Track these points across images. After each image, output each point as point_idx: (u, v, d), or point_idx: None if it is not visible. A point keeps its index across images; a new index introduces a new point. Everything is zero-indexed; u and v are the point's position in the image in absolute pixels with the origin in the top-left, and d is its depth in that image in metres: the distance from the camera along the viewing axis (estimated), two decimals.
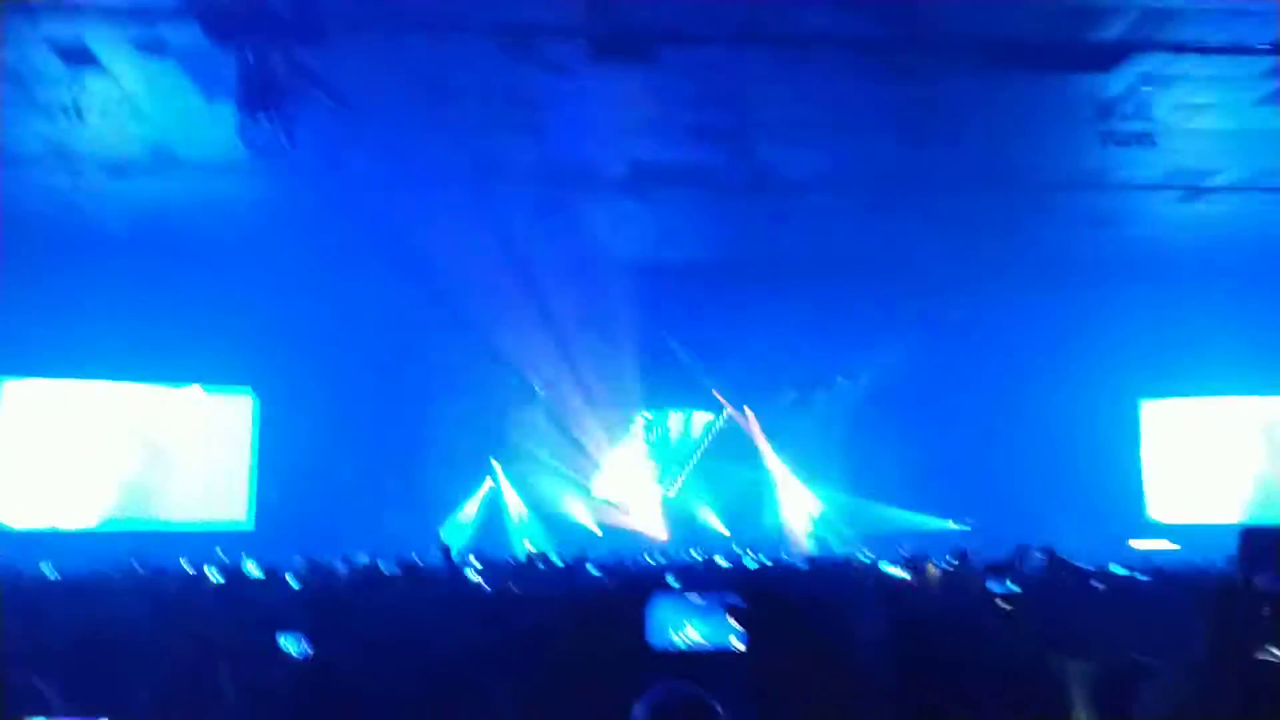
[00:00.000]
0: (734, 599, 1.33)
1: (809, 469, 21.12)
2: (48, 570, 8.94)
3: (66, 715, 2.58)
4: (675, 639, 1.37)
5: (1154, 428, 19.91)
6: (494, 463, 20.76)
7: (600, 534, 20.37)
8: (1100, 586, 7.31)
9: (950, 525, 18.81)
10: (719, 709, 2.16)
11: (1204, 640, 1.90)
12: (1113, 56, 10.66)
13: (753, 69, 10.95)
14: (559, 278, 17.82)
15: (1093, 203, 14.96)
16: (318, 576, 8.75)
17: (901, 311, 18.61)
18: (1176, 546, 13.86)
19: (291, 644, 3.93)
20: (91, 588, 7.21)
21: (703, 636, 1.38)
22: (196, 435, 18.76)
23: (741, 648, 1.32)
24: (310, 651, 3.70)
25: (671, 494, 21.58)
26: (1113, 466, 18.88)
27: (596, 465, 21.60)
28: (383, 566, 8.58)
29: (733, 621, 1.33)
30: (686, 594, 1.38)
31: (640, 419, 21.92)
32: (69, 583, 7.52)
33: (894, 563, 9.70)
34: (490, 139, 12.44)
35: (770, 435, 21.59)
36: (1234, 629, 1.89)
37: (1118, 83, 11.24)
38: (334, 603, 6.11)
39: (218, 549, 12.37)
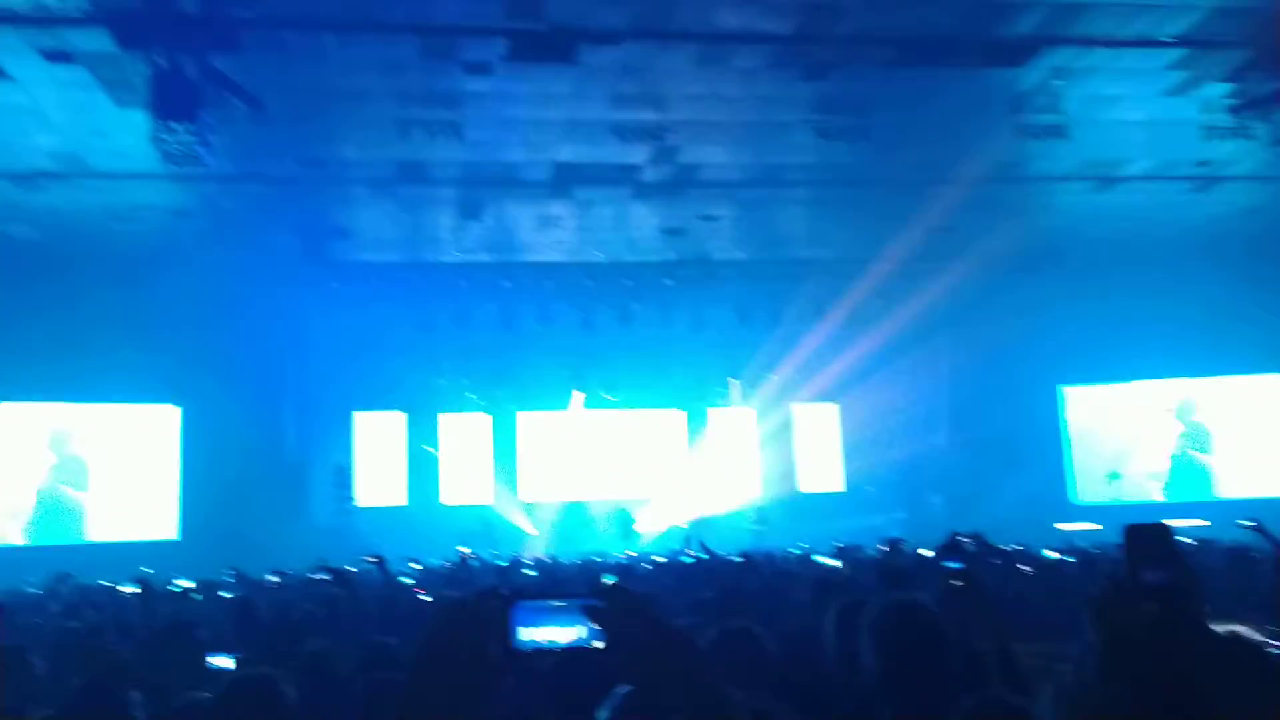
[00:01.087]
0: (591, 601, 1.39)
1: (739, 466, 21.33)
2: None
3: None
4: (537, 639, 1.41)
5: (1075, 413, 20.48)
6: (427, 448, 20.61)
7: (537, 533, 20.34)
8: (1028, 570, 7.52)
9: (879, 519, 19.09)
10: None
11: (1094, 632, 1.98)
12: (1024, 51, 10.96)
13: (670, 68, 11.03)
14: (485, 280, 17.78)
15: (1010, 195, 15.32)
16: (250, 590, 8.59)
17: (828, 306, 18.87)
18: (1099, 527, 14.26)
19: (225, 661, 3.87)
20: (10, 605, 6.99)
21: (564, 636, 1.43)
22: (124, 451, 18.30)
23: (599, 645, 1.37)
24: (239, 667, 3.65)
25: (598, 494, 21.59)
26: (1036, 452, 19.36)
27: (528, 467, 21.56)
28: (316, 577, 8.45)
29: (589, 623, 1.39)
30: (546, 598, 1.43)
31: (575, 420, 21.92)
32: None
33: (828, 555, 9.83)
34: (411, 142, 12.30)
35: (700, 433, 21.76)
36: (1120, 621, 1.98)
37: (1030, 77, 11.55)
38: (269, 614, 6.01)
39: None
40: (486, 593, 1.50)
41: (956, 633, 2.73)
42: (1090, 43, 10.90)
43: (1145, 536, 2.23)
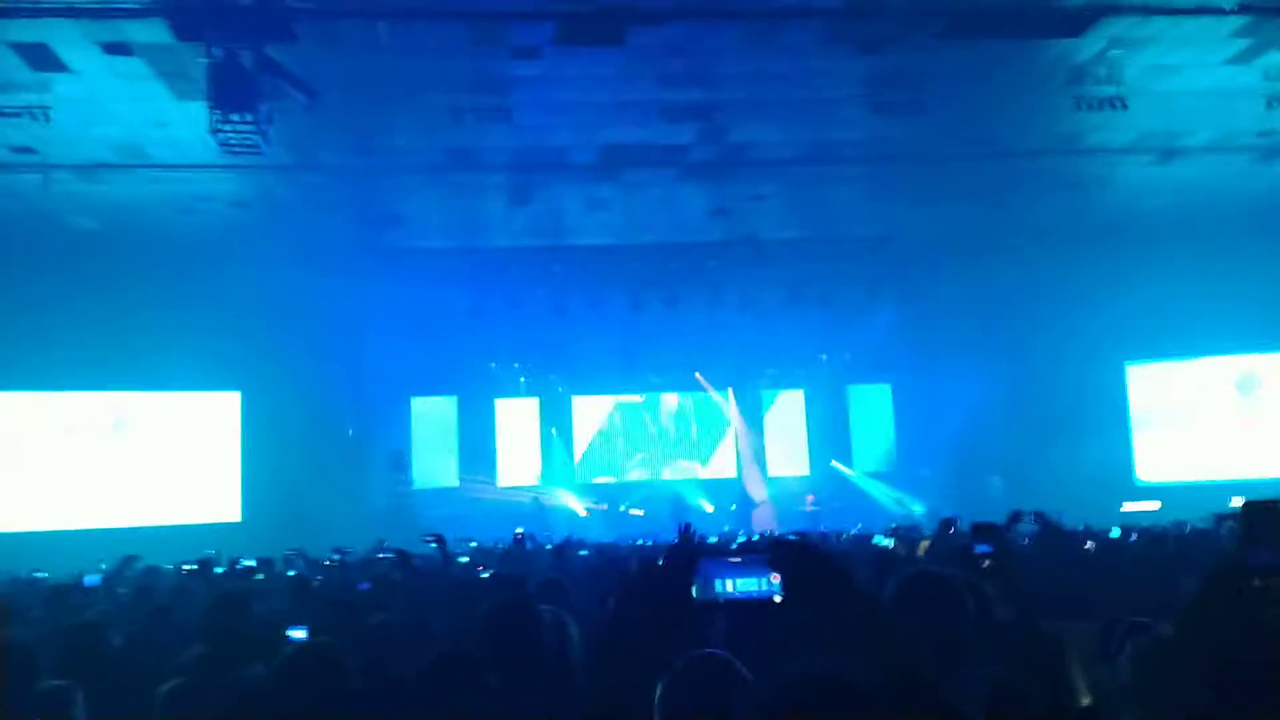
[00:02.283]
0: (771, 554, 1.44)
1: (792, 448, 21.25)
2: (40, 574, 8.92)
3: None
4: (718, 592, 1.47)
5: (1137, 390, 20.08)
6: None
7: (586, 515, 20.47)
8: (1091, 548, 7.41)
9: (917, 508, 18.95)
10: (740, 668, 2.23)
11: (1197, 606, 1.95)
12: (1083, 20, 10.69)
13: (720, 46, 10.95)
14: (535, 265, 17.85)
15: (1068, 168, 15.03)
16: (310, 569, 8.76)
17: (883, 286, 18.69)
18: (1158, 505, 14.01)
19: (298, 632, 3.97)
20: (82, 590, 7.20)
21: (743, 589, 1.47)
22: (186, 437, 18.74)
23: (779, 598, 1.41)
24: (314, 639, 3.72)
25: (652, 475, 21.67)
26: (1098, 430, 19.02)
27: (582, 451, 21.71)
28: (378, 555, 8.60)
29: (773, 576, 1.43)
30: (727, 555, 1.49)
31: (622, 403, 22.02)
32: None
33: (884, 534, 9.79)
34: (460, 127, 12.35)
35: (752, 415, 21.71)
36: (1227, 599, 1.94)
37: (1088, 47, 11.28)
38: (331, 592, 6.12)
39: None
40: (675, 548, 1.54)
41: (980, 607, 2.71)
42: (1149, 11, 10.61)
43: (1262, 515, 2.16)
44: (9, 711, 2.98)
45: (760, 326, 19.36)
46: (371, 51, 10.69)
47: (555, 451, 21.42)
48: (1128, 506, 15.27)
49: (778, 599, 1.51)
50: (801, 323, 19.40)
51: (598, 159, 13.90)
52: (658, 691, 2.28)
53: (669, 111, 12.28)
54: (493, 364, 20.64)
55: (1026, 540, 7.17)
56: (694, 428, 22.04)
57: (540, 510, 19.69)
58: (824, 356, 20.95)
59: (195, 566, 7.46)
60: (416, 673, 3.38)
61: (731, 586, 1.56)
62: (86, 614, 5.19)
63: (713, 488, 21.03)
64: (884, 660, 1.43)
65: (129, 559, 10.16)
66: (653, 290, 18.72)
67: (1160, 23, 10.82)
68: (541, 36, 10.37)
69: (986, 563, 3.35)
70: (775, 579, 1.52)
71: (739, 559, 1.56)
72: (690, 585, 1.53)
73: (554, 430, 21.44)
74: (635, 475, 21.67)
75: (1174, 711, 1.90)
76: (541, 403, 21.47)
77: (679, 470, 21.73)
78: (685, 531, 1.55)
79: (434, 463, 20.74)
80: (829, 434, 21.44)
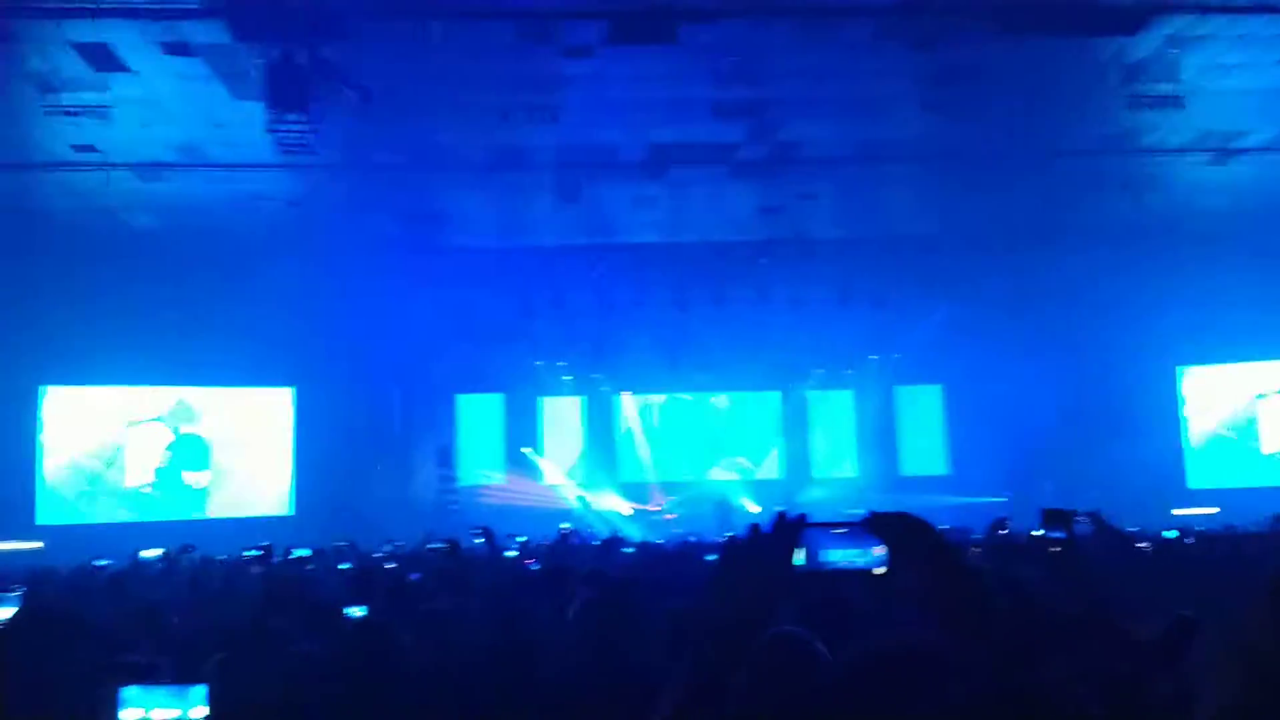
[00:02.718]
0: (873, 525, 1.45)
1: (840, 447, 21.13)
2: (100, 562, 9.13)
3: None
4: (822, 561, 1.48)
5: (1192, 393, 19.72)
6: (525, 451, 20.97)
7: (630, 514, 20.50)
8: (1146, 549, 7.29)
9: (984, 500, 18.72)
10: (820, 648, 2.23)
11: (1268, 606, 1.91)
12: (1139, 18, 10.54)
13: (771, 44, 10.92)
14: (582, 263, 17.90)
15: (1122, 167, 14.82)
16: (362, 560, 8.88)
17: (933, 286, 18.52)
18: (1216, 510, 13.74)
19: (358, 613, 4.04)
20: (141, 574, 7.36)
21: (847, 559, 1.48)
22: (241, 432, 19.10)
23: (881, 571, 1.42)
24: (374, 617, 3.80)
25: (697, 476, 21.66)
26: (1153, 436, 18.71)
27: (625, 450, 21.76)
28: (430, 547, 8.71)
29: (876, 548, 1.43)
30: (830, 526, 1.50)
31: (667, 402, 22.04)
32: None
33: None
34: (510, 125, 12.45)
35: (800, 416, 21.61)
36: None
37: (1144, 45, 11.12)
38: (384, 581, 6.21)
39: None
40: (780, 516, 1.55)
41: (1050, 600, 2.69)
42: (1207, 9, 10.45)
43: None
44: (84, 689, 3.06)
45: (808, 327, 19.25)
46: (424, 51, 10.81)
47: (599, 450, 21.47)
48: (1179, 512, 14.99)
49: (881, 570, 1.51)
50: (850, 323, 19.27)
51: (647, 157, 13.93)
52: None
53: (720, 109, 12.28)
54: (538, 362, 20.74)
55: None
56: (741, 428, 22.00)
57: (584, 508, 19.77)
58: (874, 357, 20.79)
59: (259, 553, 7.59)
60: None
61: (836, 556, 1.56)
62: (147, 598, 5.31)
63: (759, 489, 20.96)
64: (981, 636, 1.43)
65: (185, 547, 10.38)
66: (700, 289, 18.70)
67: (1218, 21, 10.64)
68: (593, 35, 10.42)
69: (1057, 549, 3.32)
70: (879, 551, 1.53)
71: (844, 529, 1.57)
72: (791, 555, 1.54)
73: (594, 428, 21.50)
74: (680, 476, 21.66)
75: (1245, 714, 1.87)
76: (587, 401, 21.53)
77: (725, 471, 21.70)
78: (781, 517, 1.56)
79: (479, 460, 20.92)
80: (877, 436, 21.27)
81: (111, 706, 2.58)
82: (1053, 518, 3.60)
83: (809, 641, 2.27)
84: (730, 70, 11.41)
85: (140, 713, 2.63)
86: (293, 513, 18.37)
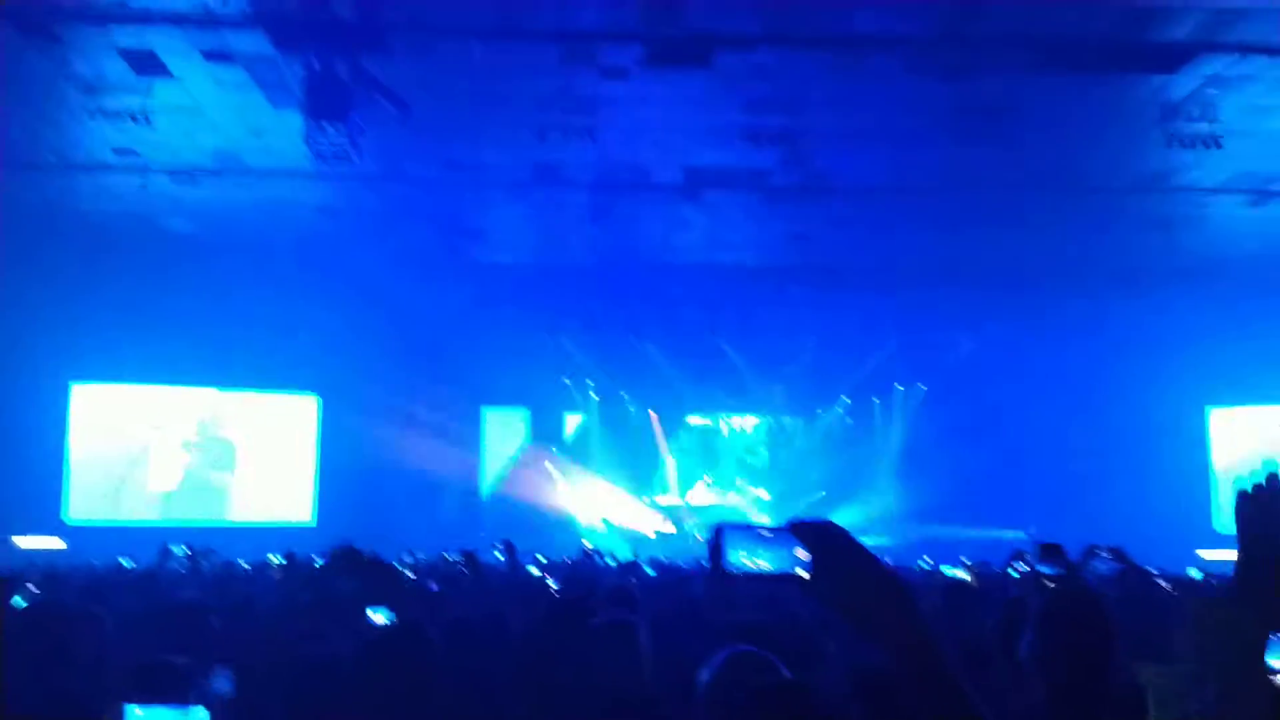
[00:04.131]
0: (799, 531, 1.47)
1: (863, 477, 21.02)
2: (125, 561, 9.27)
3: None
4: (744, 564, 1.52)
5: (1222, 435, 19.53)
6: (548, 465, 21.05)
7: (654, 537, 20.48)
8: (1170, 590, 7.24)
9: (1008, 535, 18.58)
10: (783, 668, 2.25)
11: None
12: (1179, 57, 10.53)
13: (805, 72, 11.01)
14: (613, 282, 18.02)
15: (1157, 206, 14.77)
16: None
17: (961, 318, 18.49)
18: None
19: (383, 615, 4.10)
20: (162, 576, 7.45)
21: (770, 563, 1.52)
22: (266, 437, 19.32)
23: (806, 575, 1.45)
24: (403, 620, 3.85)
25: (718, 499, 21.64)
26: (1179, 475, 18.55)
27: (649, 470, 21.78)
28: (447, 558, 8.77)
29: (800, 552, 1.46)
30: (755, 527, 1.53)
31: (694, 424, 22.07)
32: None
33: (957, 568, 9.67)
34: (546, 144, 12.59)
35: (823, 443, 21.56)
36: None
37: (1184, 84, 11.10)
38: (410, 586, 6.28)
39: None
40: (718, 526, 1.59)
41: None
42: (1248, 49, 10.41)
43: None
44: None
45: (835, 353, 19.27)
46: (463, 68, 10.97)
47: (624, 468, 21.52)
48: (1205, 554, 14.81)
49: (804, 574, 1.55)
50: (878, 350, 19.26)
51: (681, 180, 14.05)
52: (700, 689, 2.31)
53: (752, 135, 12.39)
54: (566, 379, 20.85)
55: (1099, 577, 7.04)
56: (764, 452, 21.99)
57: (607, 527, 19.82)
58: (900, 387, 20.77)
59: (283, 560, 7.68)
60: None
61: (757, 561, 1.60)
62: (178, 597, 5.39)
63: (778, 514, 20.90)
64: (910, 654, 1.45)
65: (206, 550, 10.49)
66: (729, 313, 18.79)
67: (1259, 61, 10.61)
68: (630, 57, 10.56)
69: (1051, 584, 3.34)
70: (803, 555, 1.57)
71: (769, 533, 1.61)
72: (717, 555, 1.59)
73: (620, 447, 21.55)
74: (702, 499, 21.66)
75: None
76: (611, 418, 21.59)
77: (745, 494, 21.68)
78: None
79: (502, 474, 21.06)
80: (901, 466, 21.15)
81: None
82: (1047, 552, 3.61)
83: (770, 660, 2.29)
84: (763, 97, 11.52)
85: None
86: (314, 521, 18.51)
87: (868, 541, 1.53)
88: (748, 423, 22.15)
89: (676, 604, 5.80)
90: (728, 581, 1.55)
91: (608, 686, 3.12)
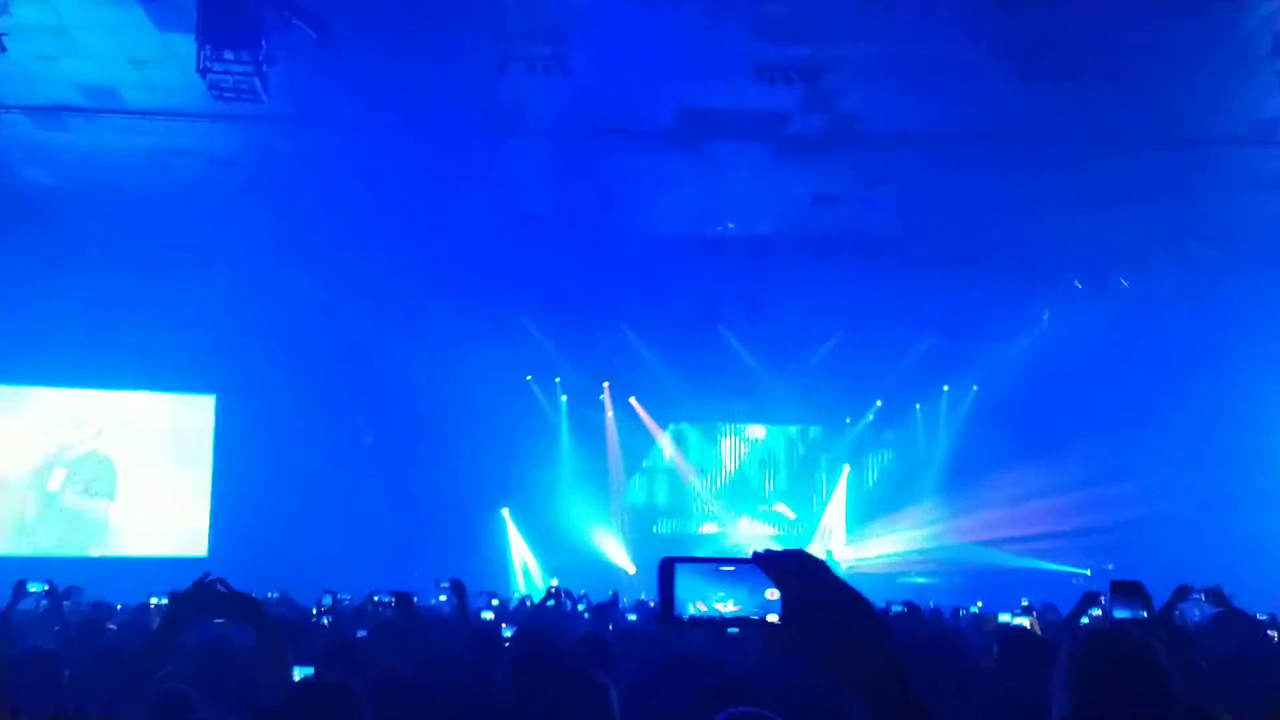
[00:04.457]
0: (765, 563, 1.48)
1: (898, 500, 21.11)
2: None
3: None
4: (699, 609, 1.52)
5: None
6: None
7: (634, 572, 20.53)
8: (1274, 637, 7.32)
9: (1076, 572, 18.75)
10: None
11: None
12: None
13: None
14: (588, 256, 17.95)
15: (1265, 161, 14.85)
16: (296, 613, 8.93)
17: (1023, 301, 18.55)
18: None
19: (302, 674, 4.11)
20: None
21: (734, 605, 1.53)
22: (149, 448, 19.24)
23: (773, 618, 1.45)
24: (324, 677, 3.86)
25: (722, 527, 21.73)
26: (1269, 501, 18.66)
27: (630, 492, 21.82)
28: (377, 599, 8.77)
29: (770, 592, 1.46)
30: (712, 560, 1.54)
31: (684, 436, 22.11)
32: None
33: (1016, 613, 9.73)
34: (506, 79, 12.57)
35: (850, 458, 21.63)
36: None
37: None
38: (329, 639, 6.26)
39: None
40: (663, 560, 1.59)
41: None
42: None
43: None
44: None
45: (869, 345, 19.30)
46: None
47: (600, 488, 21.58)
48: None
49: (774, 618, 1.56)
50: (919, 342, 19.30)
51: (674, 125, 14.04)
52: None
53: (766, 69, 12.37)
54: (528, 375, 20.86)
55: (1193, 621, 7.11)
56: (778, 469, 22.10)
57: (580, 563, 19.84)
58: (945, 388, 20.84)
59: (166, 602, 7.64)
60: None
61: (715, 604, 1.62)
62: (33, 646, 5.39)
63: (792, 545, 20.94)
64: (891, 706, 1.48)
65: (70, 589, 10.46)
66: (733, 295, 18.77)
67: None
68: None
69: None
70: (773, 595, 1.58)
71: (731, 568, 1.62)
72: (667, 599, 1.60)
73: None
74: (705, 528, 21.77)
75: None
76: (582, 428, 21.61)
77: (756, 521, 21.78)
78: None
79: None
80: (945, 486, 21.27)
81: None
82: (1125, 591, 3.62)
83: None
84: (781, 20, 11.51)
85: None
86: (207, 553, 18.45)
87: (910, 581, 1.55)
88: (757, 433, 22.21)
89: (663, 658, 5.83)
90: (679, 629, 1.54)
91: None
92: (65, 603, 9.43)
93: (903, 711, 1.47)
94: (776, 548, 1.57)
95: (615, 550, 21.15)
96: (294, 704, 2.98)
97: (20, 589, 7.19)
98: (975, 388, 20.70)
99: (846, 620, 1.51)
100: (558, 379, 21.14)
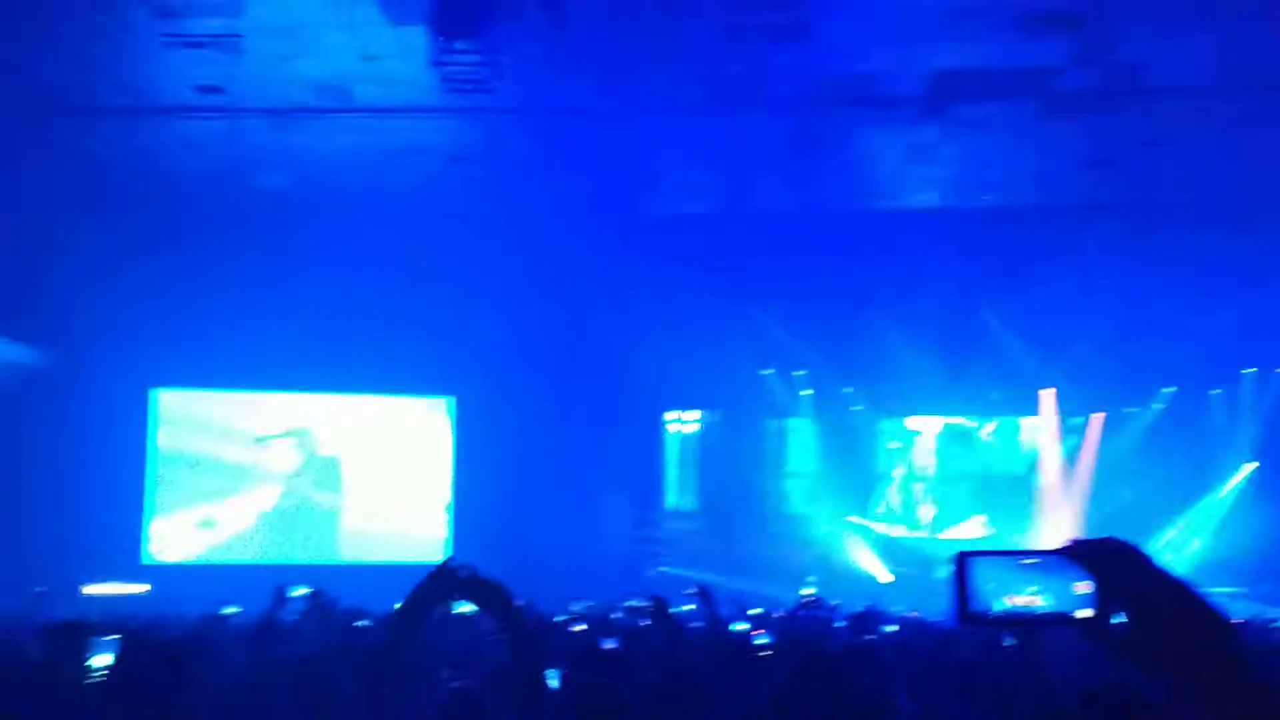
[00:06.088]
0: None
1: (1197, 500, 20.11)
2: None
3: None
4: (1002, 602, 1.49)
5: None
6: None
7: (892, 579, 20.26)
8: None
9: None
10: None
11: None
12: None
13: None
14: (830, 234, 17.80)
15: None
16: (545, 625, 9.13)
17: None
18: None
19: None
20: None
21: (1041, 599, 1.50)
22: (386, 454, 20.22)
23: (1087, 614, 1.40)
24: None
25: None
26: None
27: (876, 487, 21.60)
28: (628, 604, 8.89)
29: (1080, 585, 1.41)
30: (1013, 552, 1.50)
31: (934, 426, 21.70)
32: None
33: None
34: (742, 50, 12.57)
35: (1138, 453, 20.72)
36: None
37: None
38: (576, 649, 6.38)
39: None
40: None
41: None
42: None
43: None
44: None
45: (1152, 326, 18.44)
46: None
47: (847, 493, 21.38)
48: None
49: (1086, 613, 1.48)
50: (1215, 320, 18.32)
51: (923, 90, 13.78)
52: None
53: (1028, 22, 12.00)
54: (765, 371, 20.82)
55: None
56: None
57: (824, 566, 19.72)
58: (1250, 370, 19.79)
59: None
60: None
61: (1018, 598, 1.55)
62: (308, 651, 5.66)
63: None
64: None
65: (316, 594, 10.98)
66: (994, 272, 18.28)
67: None
68: None
69: None
70: (1082, 588, 1.49)
71: (1034, 560, 1.55)
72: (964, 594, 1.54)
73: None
74: (954, 532, 21.30)
75: None
76: (827, 425, 21.46)
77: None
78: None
79: (683, 498, 21.35)
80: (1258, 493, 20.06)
81: None
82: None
83: None
84: None
85: None
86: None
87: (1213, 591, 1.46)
88: (1021, 425, 21.58)
89: (942, 673, 5.67)
90: (979, 627, 1.50)
91: None
92: (327, 608, 9.94)
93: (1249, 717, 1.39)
94: (1090, 539, 1.52)
95: (866, 556, 20.91)
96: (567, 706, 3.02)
97: (281, 594, 7.50)
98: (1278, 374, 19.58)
99: (1179, 614, 1.44)
100: (798, 373, 21.01)
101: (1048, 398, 20.75)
